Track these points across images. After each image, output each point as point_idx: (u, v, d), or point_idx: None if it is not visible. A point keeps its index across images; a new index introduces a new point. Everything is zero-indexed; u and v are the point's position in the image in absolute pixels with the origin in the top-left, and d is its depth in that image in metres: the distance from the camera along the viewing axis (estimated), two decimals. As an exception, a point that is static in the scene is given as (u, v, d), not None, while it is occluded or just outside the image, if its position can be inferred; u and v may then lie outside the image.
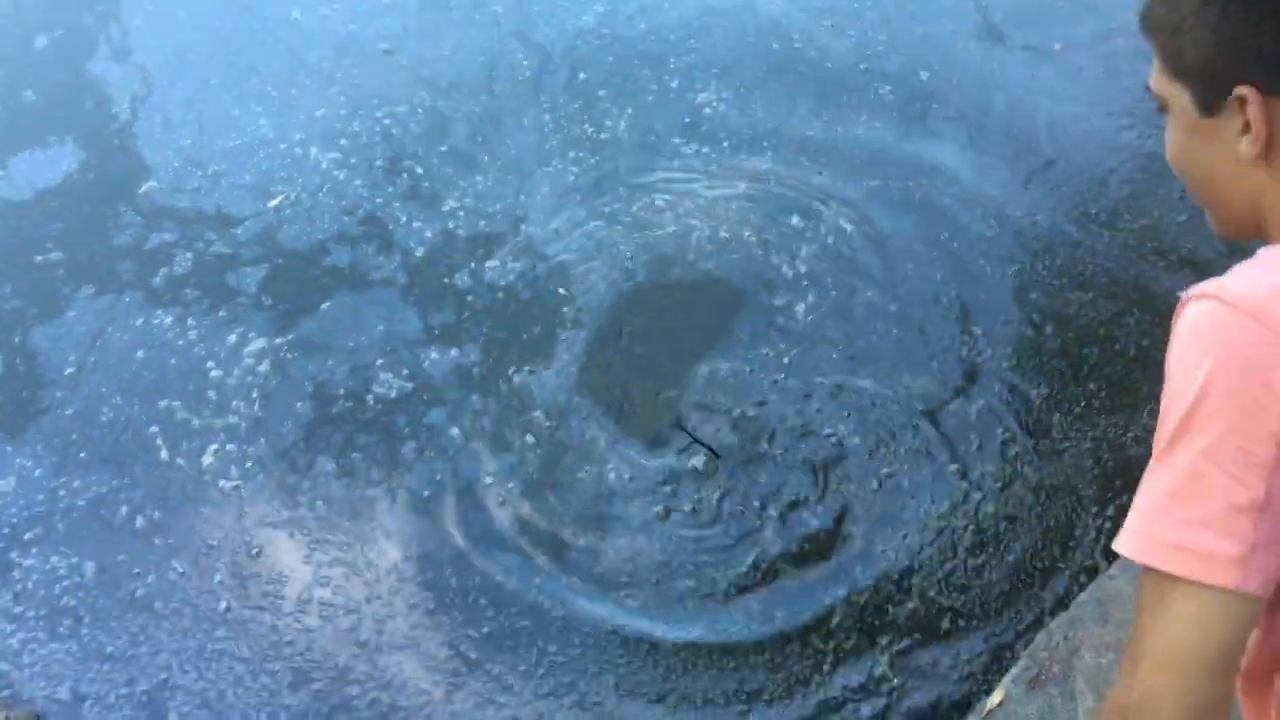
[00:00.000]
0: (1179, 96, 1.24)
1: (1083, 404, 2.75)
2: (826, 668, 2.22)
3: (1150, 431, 2.69)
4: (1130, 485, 2.53)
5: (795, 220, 3.16)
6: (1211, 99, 1.20)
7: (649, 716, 2.16)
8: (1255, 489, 1.00)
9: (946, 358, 2.83)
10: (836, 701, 2.17)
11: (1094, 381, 2.79)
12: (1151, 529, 1.05)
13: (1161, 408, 1.08)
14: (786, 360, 2.82)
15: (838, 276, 3.01)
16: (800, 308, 2.94)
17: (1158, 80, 1.27)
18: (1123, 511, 2.54)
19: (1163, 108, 1.28)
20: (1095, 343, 2.87)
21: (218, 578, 2.40)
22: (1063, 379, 2.80)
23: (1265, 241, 1.15)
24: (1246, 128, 1.17)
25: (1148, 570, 1.05)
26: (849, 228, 3.14)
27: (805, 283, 3.00)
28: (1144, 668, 1.05)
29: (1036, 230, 3.16)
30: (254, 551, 2.44)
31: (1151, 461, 1.08)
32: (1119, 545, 1.10)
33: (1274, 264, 1.08)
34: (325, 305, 2.95)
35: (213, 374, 2.80)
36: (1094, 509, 2.51)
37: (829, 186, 3.25)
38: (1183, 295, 1.09)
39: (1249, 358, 1.02)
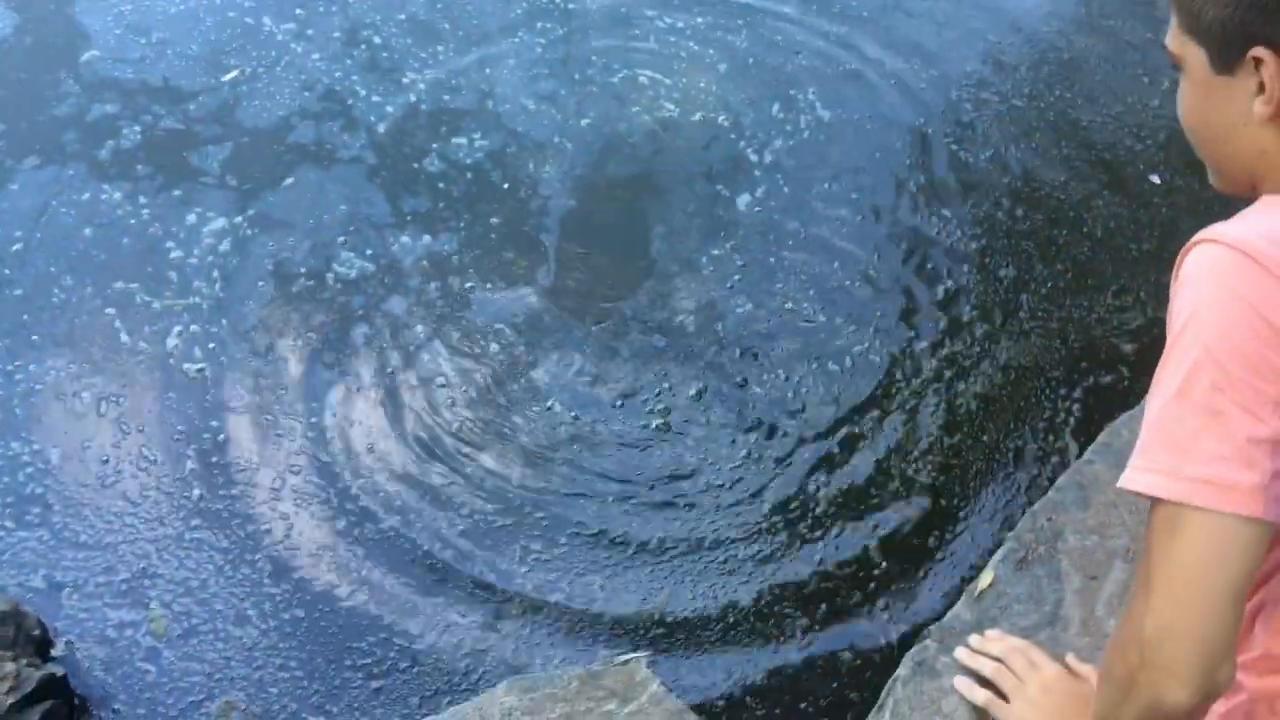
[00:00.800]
0: (1195, 55, 1.24)
1: (1050, 285, 2.74)
2: (817, 556, 2.21)
3: (1114, 312, 2.71)
4: (1096, 366, 2.57)
5: (769, 103, 3.05)
6: (1228, 58, 1.20)
7: (637, 613, 2.13)
8: (1272, 424, 1.03)
9: (914, 239, 2.78)
10: (828, 589, 2.16)
11: (1061, 262, 2.77)
12: (1173, 464, 1.06)
13: (1169, 350, 1.11)
14: (751, 243, 2.75)
15: (806, 161, 2.93)
16: (763, 192, 2.86)
17: (1174, 38, 1.27)
18: (1090, 392, 2.57)
19: (1177, 65, 1.29)
20: (1065, 224, 2.85)
21: (189, 465, 2.30)
22: (1030, 260, 2.78)
23: (1255, 195, 1.19)
24: (1261, 88, 1.17)
25: (1162, 503, 1.06)
26: (825, 114, 3.04)
27: (773, 169, 2.91)
28: (1160, 597, 1.05)
29: (1013, 112, 3.09)
30: (220, 438, 2.34)
31: (1159, 400, 1.10)
32: (1133, 483, 1.10)
33: (1269, 211, 1.13)
34: (287, 183, 2.79)
35: (173, 254, 2.64)
36: (1062, 390, 2.52)
37: (805, 69, 3.12)
38: (1185, 246, 1.12)
39: (1254, 300, 1.05)
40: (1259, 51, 1.16)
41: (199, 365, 2.46)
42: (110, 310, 2.55)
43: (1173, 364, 1.09)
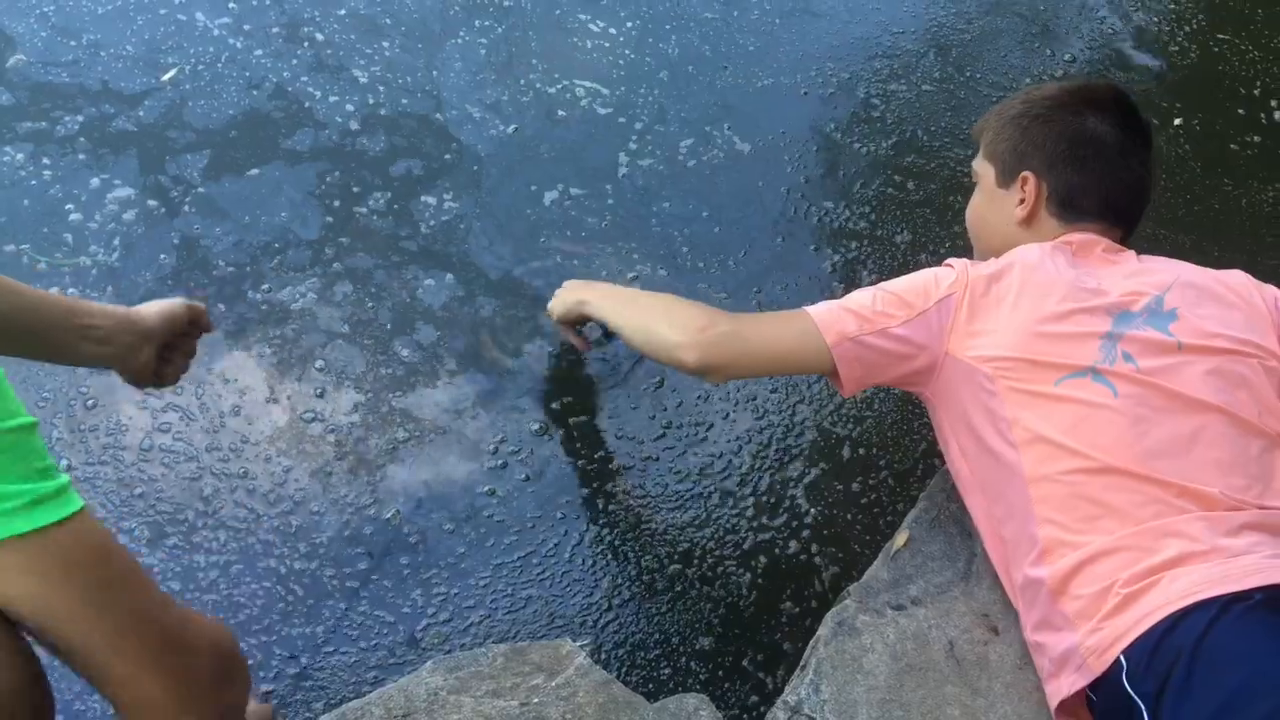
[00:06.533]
0: (988, 171, 1.83)
1: (948, 245, 2.66)
2: (750, 511, 2.10)
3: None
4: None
5: (685, 109, 2.83)
6: (1008, 177, 1.78)
7: (582, 604, 2.01)
8: (901, 324, 1.63)
9: (797, 225, 2.65)
10: (766, 541, 2.08)
11: (958, 224, 2.66)
12: (828, 309, 1.68)
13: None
14: (682, 244, 2.59)
15: (726, 175, 2.75)
16: (703, 213, 2.66)
17: (978, 161, 1.87)
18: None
19: (975, 179, 1.89)
20: (962, 191, 2.75)
21: (55, 434, 2.05)
22: (927, 224, 2.71)
23: None
24: (1022, 200, 1.74)
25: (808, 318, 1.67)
26: (739, 136, 2.83)
27: (646, 171, 2.71)
28: (756, 340, 1.66)
29: (922, 98, 2.94)
30: (90, 403, 2.11)
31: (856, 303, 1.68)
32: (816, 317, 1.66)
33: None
34: (229, 177, 2.54)
35: (71, 216, 2.37)
36: (963, 342, 2.42)
37: (730, 81, 2.90)
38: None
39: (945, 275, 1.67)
40: (1026, 174, 1.73)
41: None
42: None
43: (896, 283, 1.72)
